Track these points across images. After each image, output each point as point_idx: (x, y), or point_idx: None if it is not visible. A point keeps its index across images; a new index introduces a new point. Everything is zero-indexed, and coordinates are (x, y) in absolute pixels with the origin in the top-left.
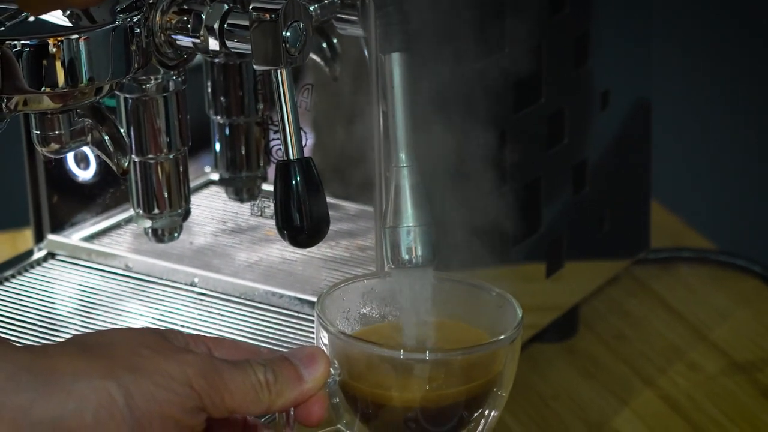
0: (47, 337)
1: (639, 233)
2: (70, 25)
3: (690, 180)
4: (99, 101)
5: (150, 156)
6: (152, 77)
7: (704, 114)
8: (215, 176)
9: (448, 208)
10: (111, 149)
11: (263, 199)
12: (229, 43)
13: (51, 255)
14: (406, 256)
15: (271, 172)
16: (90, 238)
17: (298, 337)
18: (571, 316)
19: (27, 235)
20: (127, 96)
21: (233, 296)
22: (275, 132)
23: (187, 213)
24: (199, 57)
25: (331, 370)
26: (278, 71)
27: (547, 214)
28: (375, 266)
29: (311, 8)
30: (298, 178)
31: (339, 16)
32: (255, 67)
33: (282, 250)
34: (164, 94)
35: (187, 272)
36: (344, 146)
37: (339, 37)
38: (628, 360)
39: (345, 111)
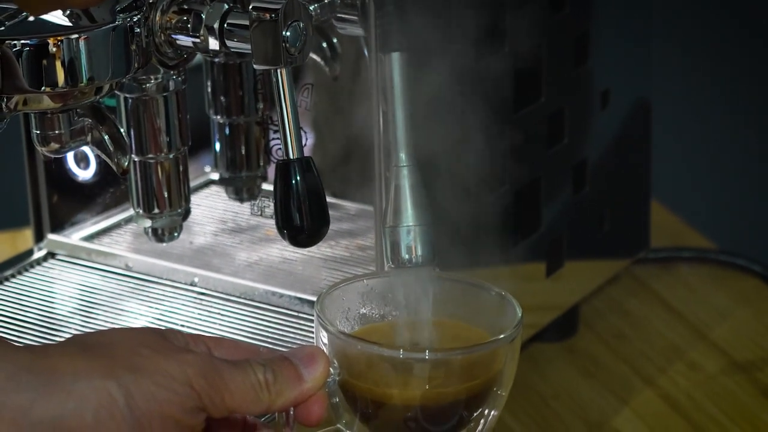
0: (47, 336)
1: (639, 233)
2: (70, 24)
3: (690, 180)
4: (99, 101)
5: (150, 156)
6: (152, 77)
7: (704, 114)
8: (215, 176)
9: (448, 208)
10: (111, 149)
11: (263, 198)
12: (229, 43)
13: (51, 254)
14: (406, 256)
15: (271, 171)
16: (90, 237)
17: (297, 336)
18: (571, 316)
19: (27, 235)
20: (127, 96)
21: (233, 296)
22: (275, 132)
23: (187, 213)
24: (199, 57)
25: (331, 369)
26: (278, 71)
27: (547, 213)
28: (375, 266)
29: (311, 8)
30: (298, 178)
31: (339, 15)
32: (255, 66)
33: (282, 250)
34: (164, 94)
35: (187, 272)
36: (344, 146)
37: (339, 36)
38: (628, 359)
39: (345, 111)
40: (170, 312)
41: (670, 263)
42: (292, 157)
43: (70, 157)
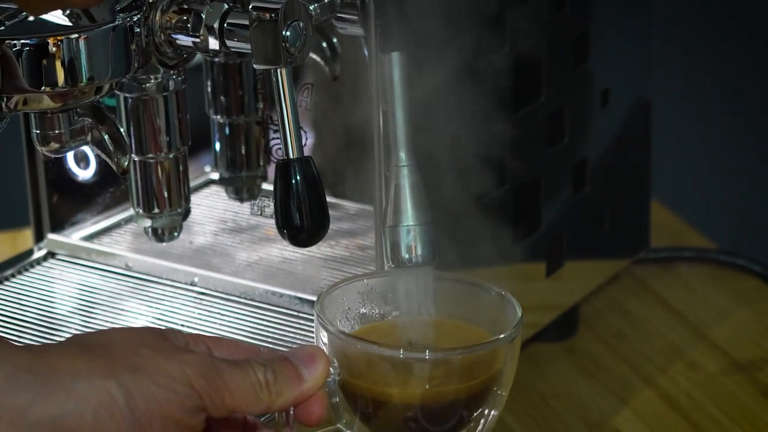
0: (47, 336)
1: (639, 233)
2: (70, 24)
3: (690, 180)
4: (99, 100)
5: (150, 155)
6: (152, 76)
7: (704, 114)
8: (215, 175)
9: (448, 208)
10: (111, 148)
11: (263, 198)
12: (229, 43)
13: (51, 254)
14: (406, 255)
15: (271, 171)
16: (90, 237)
17: (297, 336)
18: (571, 316)
19: (27, 235)
20: (127, 95)
21: (233, 295)
22: (275, 131)
23: (187, 212)
24: (199, 56)
25: (331, 369)
26: (278, 70)
27: (547, 213)
28: (375, 265)
29: (311, 7)
30: (298, 178)
31: (339, 15)
32: (255, 66)
33: (282, 250)
34: (164, 94)
35: (187, 272)
36: (344, 145)
37: (339, 36)
38: (628, 359)
39: (345, 110)
40: (170, 312)
41: (670, 263)
42: (292, 156)
43: (70, 156)
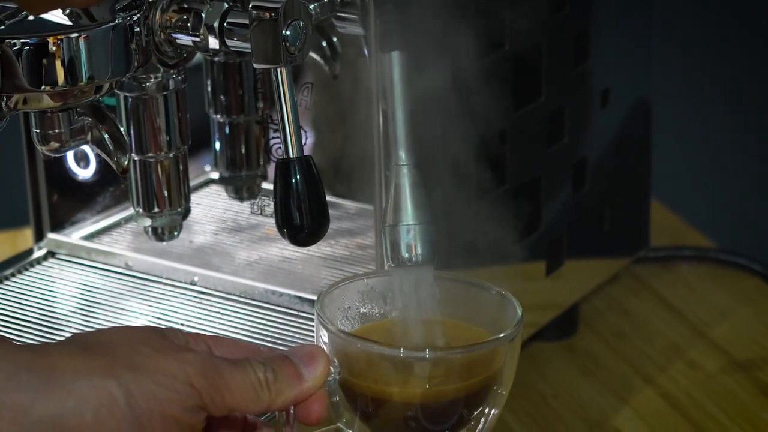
0: (47, 335)
1: (639, 232)
2: (70, 23)
3: (690, 179)
4: (99, 100)
5: (150, 155)
6: (152, 76)
7: (704, 114)
8: (215, 175)
9: (448, 207)
10: (111, 148)
11: (263, 197)
12: (228, 42)
13: (51, 254)
14: (406, 255)
15: (271, 170)
16: (90, 236)
17: (297, 335)
18: (571, 315)
19: (27, 234)
20: (127, 95)
21: (233, 295)
22: (275, 131)
23: (186, 212)
24: (198, 56)
25: (331, 368)
26: (278, 70)
27: (547, 212)
28: (375, 265)
29: (311, 7)
30: (298, 177)
31: (339, 14)
32: (255, 65)
33: (282, 249)
34: (164, 93)
35: (187, 271)
36: (344, 145)
37: (339, 35)
38: (628, 358)
39: (345, 109)
40: (170, 311)
41: (670, 262)
42: (292, 156)
43: (70, 156)
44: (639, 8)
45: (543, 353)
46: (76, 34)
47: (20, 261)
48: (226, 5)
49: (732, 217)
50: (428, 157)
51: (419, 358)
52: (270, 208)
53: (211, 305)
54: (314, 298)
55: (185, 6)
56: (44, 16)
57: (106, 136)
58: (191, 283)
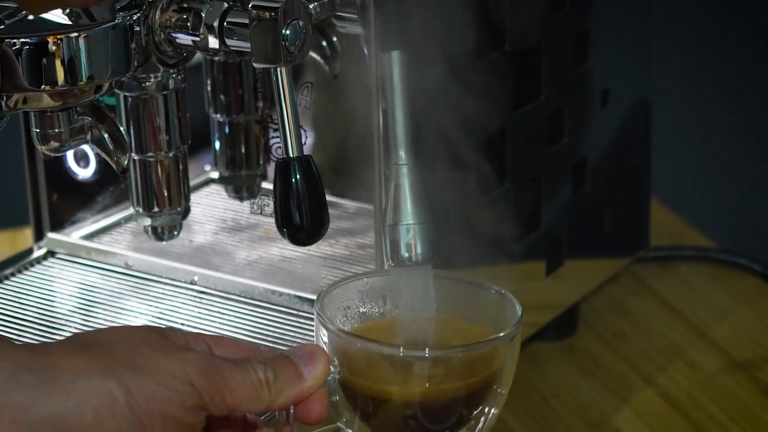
0: (47, 335)
1: (639, 231)
2: (70, 23)
3: (690, 179)
4: (99, 99)
5: (150, 154)
6: (152, 75)
7: (704, 114)
8: (215, 174)
9: (448, 207)
10: (111, 147)
11: (263, 197)
12: (228, 42)
13: (51, 253)
14: (406, 254)
15: (271, 170)
16: (90, 236)
17: (297, 335)
18: (570, 315)
19: (27, 234)
20: (127, 94)
21: (233, 294)
22: (275, 130)
23: (186, 211)
24: (198, 55)
25: (331, 367)
26: (278, 69)
27: (547, 212)
28: (374, 264)
29: (311, 6)
30: (298, 176)
31: (338, 14)
32: (254, 65)
33: (282, 249)
34: (164, 93)
35: (187, 270)
36: (344, 144)
37: (338, 35)
38: (628, 358)
39: (344, 109)
40: (170, 310)
41: (670, 262)
42: (291, 155)
43: (69, 155)
44: (639, 8)
45: (543, 353)
46: (75, 34)
47: (20, 260)
48: (225, 5)
49: (732, 217)
50: (428, 157)
51: (419, 358)
52: (270, 207)
53: (211, 305)
54: (314, 297)
55: (185, 5)
56: (44, 15)
57: (105, 135)
58: (191, 283)
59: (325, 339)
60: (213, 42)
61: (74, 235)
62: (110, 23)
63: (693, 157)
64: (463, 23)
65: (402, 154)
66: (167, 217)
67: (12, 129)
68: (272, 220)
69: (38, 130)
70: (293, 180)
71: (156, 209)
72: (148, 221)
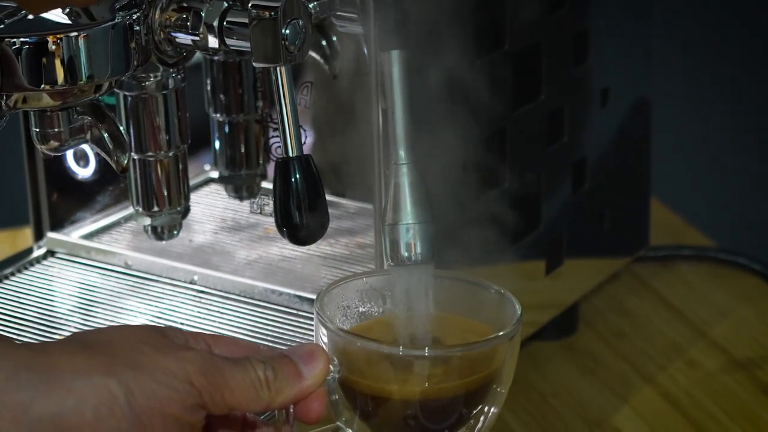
0: (47, 334)
1: (639, 231)
2: (70, 22)
3: (690, 178)
4: (98, 99)
5: (149, 154)
6: (152, 75)
7: (704, 114)
8: (215, 174)
9: (448, 206)
10: (110, 147)
11: (263, 196)
12: (228, 41)
13: (50, 253)
14: (406, 254)
15: (271, 169)
16: (89, 235)
17: (297, 334)
18: (570, 314)
19: (27, 233)
20: (127, 94)
21: (233, 294)
22: (275, 130)
23: (186, 211)
24: (198, 55)
25: (331, 367)
26: (277, 69)
27: (546, 211)
28: (374, 264)
29: (310, 6)
30: (298, 176)
31: (338, 13)
32: (254, 64)
33: (281, 248)
34: (164, 92)
35: (187, 270)
36: (344, 144)
37: (338, 34)
38: (628, 357)
39: (344, 109)
40: (170, 310)
41: (669, 261)
42: (291, 155)
43: (69, 155)
44: (639, 8)
45: (543, 352)
46: (75, 33)
47: (20, 260)
48: (225, 4)
49: (732, 217)
50: (428, 157)
51: (418, 357)
52: (269, 207)
53: (210, 304)
54: (314, 297)
55: (185, 5)
56: (44, 15)
57: (105, 135)
58: (191, 282)
59: (325, 338)
60: (213, 41)
61: (74, 234)
62: (110, 23)
63: (693, 156)
64: (463, 22)
65: (402, 153)
66: (167, 217)
67: (12, 129)
68: (272, 219)
69: (38, 130)
70: (293, 179)
71: (156, 209)
72: (147, 221)
